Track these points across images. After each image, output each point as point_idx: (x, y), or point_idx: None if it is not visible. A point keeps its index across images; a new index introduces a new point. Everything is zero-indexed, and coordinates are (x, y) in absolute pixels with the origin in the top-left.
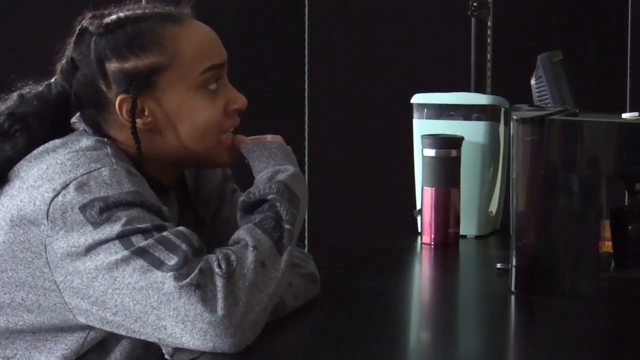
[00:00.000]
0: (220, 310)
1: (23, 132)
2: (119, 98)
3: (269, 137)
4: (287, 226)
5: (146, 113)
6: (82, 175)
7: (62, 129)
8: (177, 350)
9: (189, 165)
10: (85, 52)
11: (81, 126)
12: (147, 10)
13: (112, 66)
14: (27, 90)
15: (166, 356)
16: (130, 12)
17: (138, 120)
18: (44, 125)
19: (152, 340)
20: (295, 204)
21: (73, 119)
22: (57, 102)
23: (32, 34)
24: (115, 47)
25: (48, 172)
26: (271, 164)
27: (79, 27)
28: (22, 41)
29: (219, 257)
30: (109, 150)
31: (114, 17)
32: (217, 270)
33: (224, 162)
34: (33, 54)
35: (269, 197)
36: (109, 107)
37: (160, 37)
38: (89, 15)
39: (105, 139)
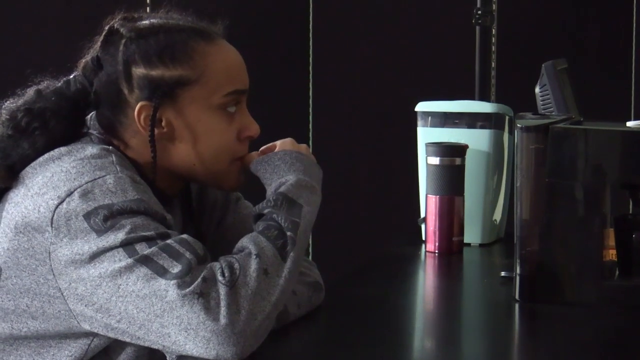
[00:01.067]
0: (222, 319)
1: (42, 130)
2: (139, 104)
3: (278, 143)
4: (289, 233)
5: (163, 123)
6: (86, 182)
7: (79, 127)
8: (181, 358)
9: (194, 181)
10: (113, 52)
11: (93, 126)
12: (181, 22)
13: (139, 71)
14: (45, 85)
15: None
16: (164, 21)
17: (155, 130)
18: (62, 122)
19: (156, 347)
20: (297, 212)
21: (88, 117)
22: (75, 99)
23: (44, 33)
24: (145, 53)
25: (53, 180)
26: (275, 179)
27: (109, 27)
28: (29, 39)
29: (223, 265)
30: (114, 159)
31: (147, 22)
32: (220, 278)
33: (230, 187)
34: (45, 51)
35: (265, 210)
36: (126, 111)
37: (192, 52)
38: (120, 16)
39: (111, 147)
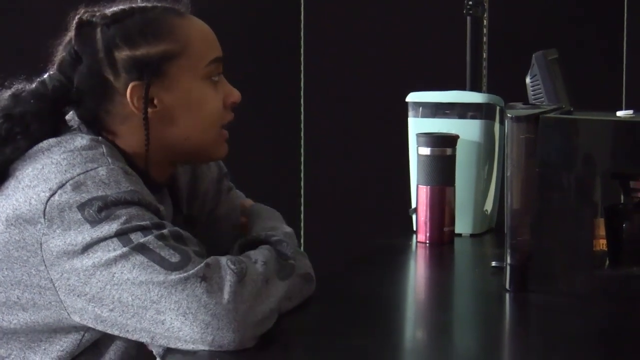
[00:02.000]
0: (226, 302)
1: (23, 134)
2: (130, 85)
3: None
4: (291, 262)
5: (155, 102)
6: (78, 174)
7: (61, 126)
8: (168, 352)
9: (186, 160)
10: (90, 43)
11: (75, 123)
12: (148, 4)
13: (123, 54)
14: (19, 88)
15: (157, 358)
16: (132, 4)
17: (148, 110)
18: (44, 124)
19: (144, 339)
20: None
21: (67, 117)
22: (54, 98)
23: (16, 33)
24: (126, 35)
25: (43, 172)
26: (276, 223)
27: (78, 20)
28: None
29: (230, 258)
30: (104, 150)
31: (116, 8)
32: (231, 266)
33: (221, 155)
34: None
35: (273, 238)
36: (114, 98)
37: (171, 26)
38: (83, 10)
39: (100, 137)
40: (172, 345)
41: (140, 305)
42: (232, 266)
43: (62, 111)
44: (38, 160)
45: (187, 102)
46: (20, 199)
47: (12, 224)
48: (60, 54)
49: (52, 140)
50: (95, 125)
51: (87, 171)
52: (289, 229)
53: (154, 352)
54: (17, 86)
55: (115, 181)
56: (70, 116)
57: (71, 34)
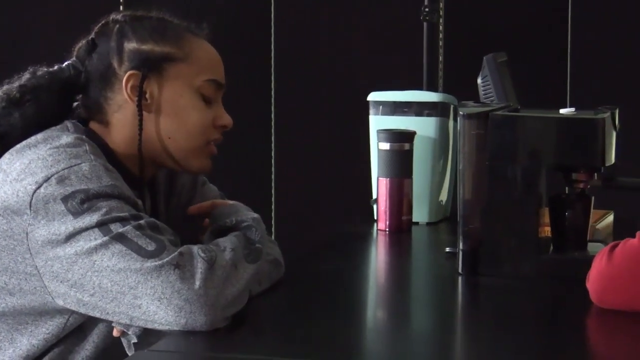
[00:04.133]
0: (198, 288)
1: (32, 101)
2: (128, 73)
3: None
4: (258, 246)
5: (147, 95)
6: (63, 169)
7: (66, 108)
8: (144, 334)
9: (168, 163)
10: (107, 33)
11: (67, 120)
12: (172, 18)
13: (130, 45)
14: (40, 68)
15: (133, 340)
16: (158, 14)
17: (136, 99)
18: (52, 97)
19: (123, 321)
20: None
21: (77, 101)
22: (66, 78)
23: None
24: (138, 31)
25: (30, 167)
26: (245, 213)
27: (105, 19)
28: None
29: (201, 247)
30: (87, 148)
31: (140, 13)
32: (201, 254)
33: (198, 169)
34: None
35: (243, 224)
36: (114, 84)
37: (181, 36)
38: (112, 16)
39: (84, 136)
40: (149, 327)
41: (119, 290)
42: (203, 254)
43: (71, 93)
44: (25, 155)
45: (175, 104)
46: (8, 192)
47: (0, 214)
48: (79, 44)
49: (39, 136)
50: (95, 111)
51: (71, 166)
52: (256, 215)
53: (130, 333)
54: (38, 67)
55: (97, 176)
56: (77, 105)
57: (94, 28)
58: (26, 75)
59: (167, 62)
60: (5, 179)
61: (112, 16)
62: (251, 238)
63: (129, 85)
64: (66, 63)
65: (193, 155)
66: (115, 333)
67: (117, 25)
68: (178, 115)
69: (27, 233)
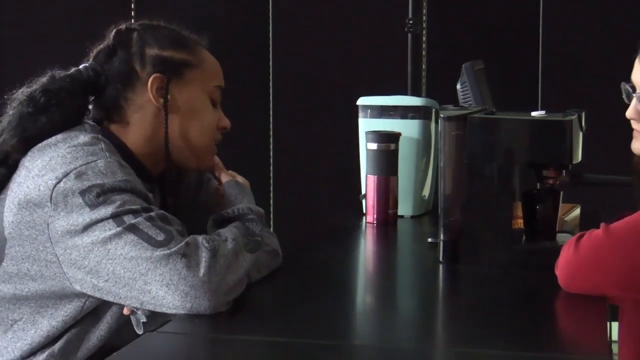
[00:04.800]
0: (202, 275)
1: (57, 106)
2: (153, 76)
3: (239, 177)
4: (258, 238)
5: (169, 97)
6: (81, 165)
7: (85, 109)
8: (152, 314)
9: (178, 161)
10: (127, 40)
11: (91, 115)
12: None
13: (153, 51)
14: (57, 72)
15: (142, 319)
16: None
17: (161, 100)
18: (76, 101)
19: (134, 304)
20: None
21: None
22: (86, 81)
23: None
24: (159, 38)
25: (51, 163)
26: (247, 200)
27: (116, 30)
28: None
29: (205, 238)
30: (103, 146)
31: (154, 22)
32: (205, 244)
33: (206, 166)
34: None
35: (247, 216)
36: (136, 86)
37: (194, 46)
38: (126, 25)
39: (100, 135)
40: (157, 310)
41: (131, 277)
42: (207, 244)
43: (92, 94)
44: (46, 153)
45: (192, 105)
46: (30, 186)
47: (23, 207)
48: (96, 48)
49: (58, 137)
50: (113, 111)
51: (88, 163)
52: (260, 210)
53: (140, 314)
54: (55, 70)
55: (111, 172)
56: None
57: (110, 35)
58: (46, 79)
59: (185, 68)
60: (28, 174)
61: (127, 25)
62: (252, 229)
63: (154, 88)
64: (83, 65)
65: (203, 153)
66: (125, 311)
67: (136, 33)
68: (193, 116)
69: (48, 224)
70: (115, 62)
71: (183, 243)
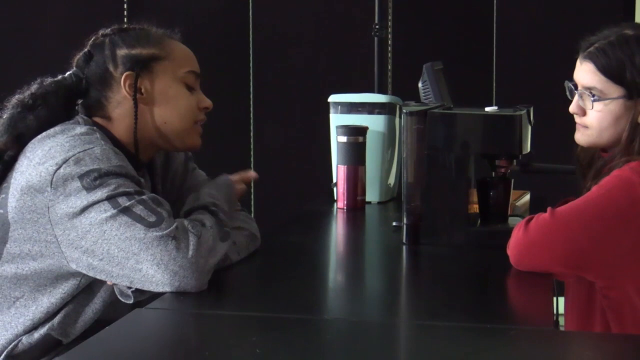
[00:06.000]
0: (190, 257)
1: (43, 105)
2: (125, 74)
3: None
4: (227, 229)
5: (142, 90)
6: (78, 152)
7: (71, 109)
8: (136, 292)
9: (165, 145)
10: (101, 45)
11: (79, 113)
12: (150, 27)
13: (122, 52)
14: (46, 79)
15: (125, 291)
16: (138, 25)
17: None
18: (60, 101)
19: (125, 282)
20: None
21: (78, 104)
22: (70, 86)
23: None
24: (127, 39)
25: (51, 152)
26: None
27: (96, 35)
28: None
29: (192, 223)
30: (98, 135)
31: (126, 25)
32: (191, 229)
33: (194, 144)
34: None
35: (212, 208)
36: (112, 85)
37: (161, 40)
38: (101, 33)
39: (95, 126)
40: (146, 288)
41: (124, 256)
42: (192, 230)
43: (75, 97)
44: (46, 143)
45: (166, 94)
46: (32, 173)
47: (25, 193)
48: (77, 56)
49: (57, 128)
50: (97, 109)
51: (85, 150)
52: (221, 204)
53: (117, 291)
54: (44, 78)
55: (107, 157)
56: (79, 105)
57: (89, 43)
58: (35, 86)
59: (154, 61)
60: (29, 163)
61: (102, 31)
62: (221, 219)
63: (127, 84)
64: (68, 73)
65: (186, 135)
66: (109, 282)
67: (108, 38)
68: (169, 103)
69: (48, 207)
70: (93, 66)
71: (174, 226)
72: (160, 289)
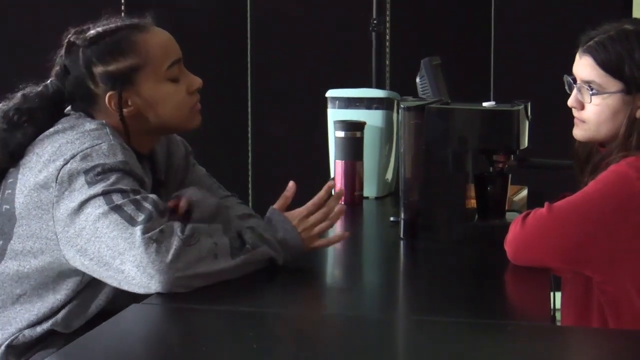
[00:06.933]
0: (168, 262)
1: (30, 122)
2: (107, 95)
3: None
4: (247, 246)
5: (129, 103)
6: (87, 148)
7: (58, 117)
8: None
9: (167, 132)
10: (75, 60)
11: (76, 114)
12: (119, 23)
13: (99, 70)
14: (28, 90)
15: None
16: (106, 27)
17: (124, 110)
18: (45, 115)
19: (113, 283)
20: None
21: (67, 110)
22: (54, 98)
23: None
24: (100, 55)
25: (60, 149)
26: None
27: (67, 40)
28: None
29: (185, 227)
30: (108, 130)
31: (93, 31)
32: (179, 233)
33: (195, 124)
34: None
35: (247, 233)
36: (98, 101)
37: (134, 44)
38: (73, 30)
39: (104, 121)
40: (129, 289)
41: (111, 255)
42: (180, 234)
43: (60, 107)
44: (56, 140)
45: (154, 100)
46: (41, 170)
47: (32, 189)
48: (56, 65)
49: (66, 124)
50: (89, 115)
51: (93, 146)
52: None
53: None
54: (27, 88)
55: (113, 153)
56: (69, 111)
57: (62, 50)
58: (18, 98)
59: (133, 73)
60: (39, 160)
61: (70, 38)
62: (245, 240)
63: (112, 104)
64: (49, 81)
65: (186, 120)
66: None
67: (80, 51)
68: (161, 103)
69: (53, 203)
70: (72, 81)
71: (157, 230)
72: (141, 291)
